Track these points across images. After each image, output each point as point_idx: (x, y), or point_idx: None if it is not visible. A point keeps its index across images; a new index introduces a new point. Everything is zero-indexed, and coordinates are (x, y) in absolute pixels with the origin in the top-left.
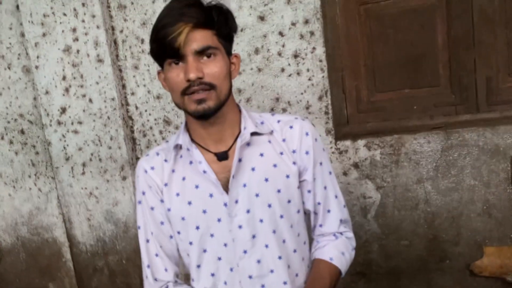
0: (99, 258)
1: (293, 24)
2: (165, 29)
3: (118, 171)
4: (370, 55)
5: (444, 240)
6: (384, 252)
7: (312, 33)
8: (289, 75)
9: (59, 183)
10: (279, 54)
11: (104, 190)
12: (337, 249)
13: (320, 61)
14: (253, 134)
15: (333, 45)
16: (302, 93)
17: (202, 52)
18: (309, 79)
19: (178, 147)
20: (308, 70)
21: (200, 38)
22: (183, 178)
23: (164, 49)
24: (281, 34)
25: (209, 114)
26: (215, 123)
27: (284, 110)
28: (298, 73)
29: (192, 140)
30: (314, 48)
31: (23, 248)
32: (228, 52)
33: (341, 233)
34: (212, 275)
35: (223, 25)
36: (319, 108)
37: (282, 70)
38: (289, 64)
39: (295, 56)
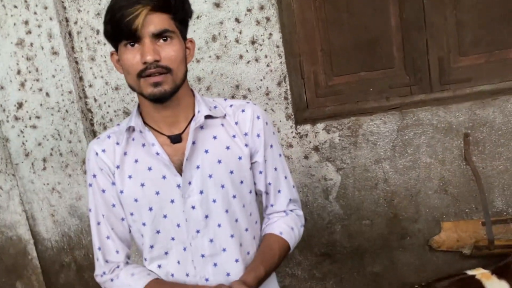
0: (65, 254)
1: (249, 10)
2: (122, 11)
3: (80, 165)
4: (326, 40)
5: (404, 218)
6: (347, 232)
7: (268, 19)
8: (248, 62)
9: (20, 180)
10: (237, 41)
11: (66, 185)
12: (286, 224)
13: (277, 47)
14: (207, 117)
15: (289, 31)
16: (261, 80)
17: (159, 35)
18: (267, 65)
19: (130, 129)
20: (266, 56)
21: (157, 21)
22: (136, 161)
23: (120, 30)
24: (237, 20)
25: (165, 97)
26: (169, 106)
27: (244, 97)
28: (256, 60)
29: (145, 123)
30: (270, 34)
31: None
32: (184, 37)
33: (291, 211)
34: (166, 253)
35: (180, 10)
36: (278, 93)
37: (241, 57)
38: (247, 51)
39: (253, 42)
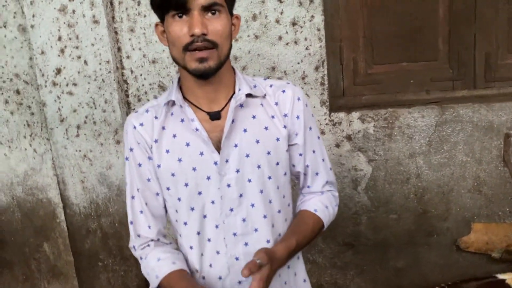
0: (92, 220)
1: None
2: None
3: (112, 135)
4: (369, 26)
5: (433, 215)
6: (373, 225)
7: (311, 1)
8: (286, 44)
9: (54, 145)
10: (277, 21)
11: (98, 153)
12: (321, 202)
13: (318, 30)
14: (247, 96)
15: (332, 14)
16: (298, 63)
17: (207, 8)
18: (306, 49)
19: (169, 103)
20: (305, 39)
21: None
22: (174, 136)
23: (169, 0)
24: (279, 0)
25: (209, 73)
26: (211, 83)
27: (280, 79)
28: (295, 42)
29: (185, 98)
30: (312, 16)
31: (18, 208)
32: (231, 12)
33: (327, 191)
34: (198, 233)
35: None
36: (315, 78)
37: (280, 38)
38: (286, 32)
39: (293, 24)
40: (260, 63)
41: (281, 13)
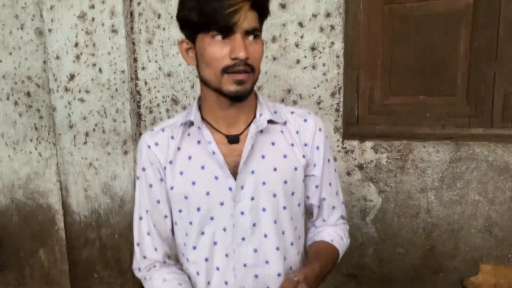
0: (92, 230)
1: (314, 15)
2: (221, 2)
3: (120, 145)
4: (389, 56)
5: (441, 252)
6: (379, 257)
7: (332, 27)
8: (304, 68)
9: (60, 150)
10: (296, 45)
11: (104, 162)
12: (336, 233)
13: (337, 56)
14: (268, 122)
15: (352, 42)
16: (315, 87)
17: (249, 33)
18: (324, 74)
19: (187, 124)
20: (324, 64)
21: (251, 18)
22: (189, 157)
23: (214, 21)
24: (300, 24)
25: (246, 95)
26: (235, 106)
27: (294, 103)
28: (313, 67)
29: (203, 118)
30: (332, 42)
31: (17, 211)
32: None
33: (340, 224)
34: (206, 260)
35: (266, 9)
36: (330, 104)
37: (298, 61)
38: (305, 56)
39: (313, 48)
40: (276, 84)
41: (301, 37)
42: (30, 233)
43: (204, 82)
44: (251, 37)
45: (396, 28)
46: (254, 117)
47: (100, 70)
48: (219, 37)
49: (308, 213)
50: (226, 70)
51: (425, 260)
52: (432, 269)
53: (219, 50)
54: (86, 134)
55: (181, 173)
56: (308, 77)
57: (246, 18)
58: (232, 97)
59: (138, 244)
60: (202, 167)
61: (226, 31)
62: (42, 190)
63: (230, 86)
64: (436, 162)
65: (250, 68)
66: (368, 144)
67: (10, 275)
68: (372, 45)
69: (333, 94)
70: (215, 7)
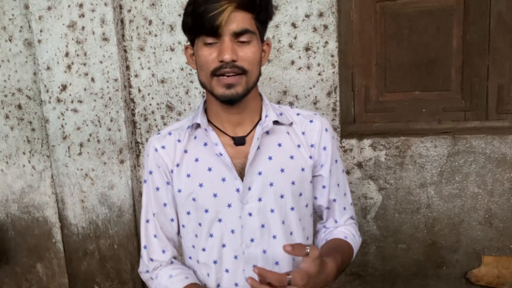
0: (90, 242)
1: (307, 16)
2: (207, 5)
3: (116, 154)
4: (383, 54)
5: (443, 247)
6: (381, 255)
7: (325, 27)
8: (299, 69)
9: (54, 162)
10: (290, 46)
11: (100, 173)
12: (349, 230)
13: (332, 56)
14: (274, 123)
15: (346, 41)
16: (310, 88)
17: (239, 35)
18: (319, 74)
19: (193, 127)
20: (318, 64)
21: (240, 20)
22: (196, 160)
23: (202, 24)
24: (293, 25)
25: (236, 99)
26: (237, 108)
27: (291, 104)
28: (308, 67)
29: (209, 121)
30: (326, 42)
31: (12, 226)
32: (262, 38)
33: (351, 223)
34: (215, 262)
35: (263, 10)
36: (327, 104)
37: (292, 62)
38: (299, 57)
39: (307, 49)
40: (271, 86)
41: (295, 38)
42: (26, 248)
43: (202, 86)
44: (243, 39)
45: (389, 26)
46: (260, 118)
47: (92, 79)
48: (210, 41)
49: (317, 215)
50: (214, 73)
51: (428, 255)
52: (435, 264)
53: (208, 53)
54: (81, 145)
55: (188, 175)
56: (304, 78)
57: (235, 20)
58: (223, 101)
59: (145, 247)
60: (209, 169)
61: (213, 34)
62: (37, 203)
63: (219, 89)
64: (435, 157)
65: (240, 70)
66: (366, 142)
67: None
68: (366, 43)
69: (329, 94)
70: (201, 10)
